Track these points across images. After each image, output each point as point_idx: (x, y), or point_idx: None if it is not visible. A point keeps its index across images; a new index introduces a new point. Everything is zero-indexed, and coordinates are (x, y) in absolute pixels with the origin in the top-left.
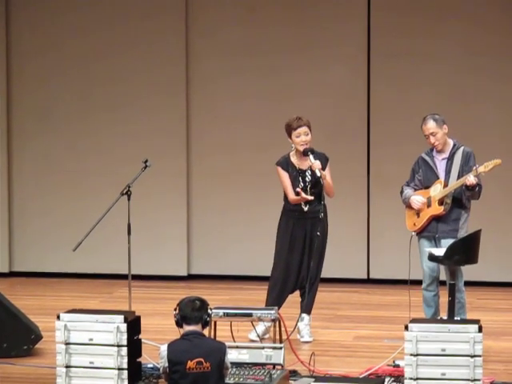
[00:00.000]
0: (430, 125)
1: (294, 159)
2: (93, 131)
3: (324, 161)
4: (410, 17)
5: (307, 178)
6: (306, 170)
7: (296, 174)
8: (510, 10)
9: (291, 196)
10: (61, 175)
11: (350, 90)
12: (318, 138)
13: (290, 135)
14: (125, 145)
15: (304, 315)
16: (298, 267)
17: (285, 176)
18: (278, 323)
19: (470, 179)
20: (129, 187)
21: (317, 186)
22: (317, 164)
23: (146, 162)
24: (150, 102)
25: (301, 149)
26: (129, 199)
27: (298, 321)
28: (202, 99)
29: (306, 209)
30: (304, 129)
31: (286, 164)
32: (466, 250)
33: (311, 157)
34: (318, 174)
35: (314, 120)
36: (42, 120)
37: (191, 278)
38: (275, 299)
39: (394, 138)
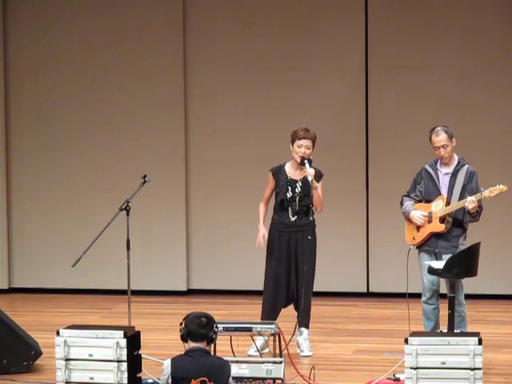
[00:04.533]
0: (442, 137)
1: (288, 168)
2: (91, 147)
3: (318, 176)
4: (408, 30)
5: (297, 189)
6: (297, 181)
7: (285, 183)
8: (509, 23)
9: (261, 203)
10: (59, 192)
11: (348, 104)
12: (316, 152)
13: (292, 143)
14: (123, 161)
15: (302, 329)
16: (287, 280)
17: (268, 184)
18: (277, 337)
19: (471, 205)
20: (128, 202)
21: (305, 198)
22: (311, 171)
23: (144, 177)
24: (148, 117)
25: (298, 159)
26: (128, 214)
27: (293, 333)
28: (200, 114)
29: (292, 219)
30: (307, 142)
31: (278, 171)
32: (465, 263)
33: (307, 165)
34: (310, 178)
35: None
36: (40, 137)
37: (191, 292)
38: (269, 313)
39: (393, 153)
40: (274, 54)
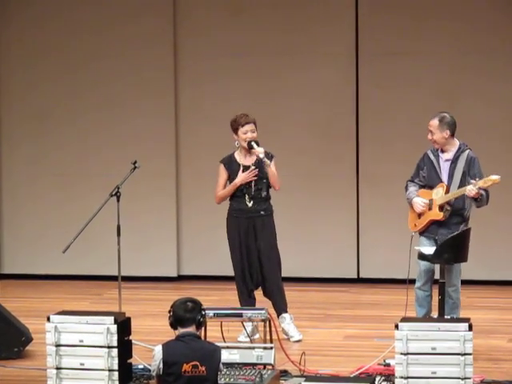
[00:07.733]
0: (433, 122)
1: (238, 157)
2: (82, 134)
3: (269, 157)
4: (398, 16)
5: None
6: (249, 166)
7: (238, 170)
8: (499, 8)
9: (217, 194)
10: (50, 178)
11: (338, 90)
12: (307, 138)
13: (236, 132)
14: (114, 147)
15: (283, 315)
16: (250, 266)
17: (221, 176)
18: (267, 323)
19: (471, 193)
20: (118, 188)
21: (260, 182)
22: (260, 150)
23: (134, 163)
24: (139, 103)
25: (244, 144)
26: (118, 200)
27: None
28: (190, 101)
29: (249, 205)
30: (251, 126)
31: (229, 162)
32: (455, 249)
33: (255, 146)
34: (261, 156)
35: (303, 121)
36: (31, 123)
37: (181, 278)
38: (243, 297)
39: (383, 138)
40: (264, 40)
